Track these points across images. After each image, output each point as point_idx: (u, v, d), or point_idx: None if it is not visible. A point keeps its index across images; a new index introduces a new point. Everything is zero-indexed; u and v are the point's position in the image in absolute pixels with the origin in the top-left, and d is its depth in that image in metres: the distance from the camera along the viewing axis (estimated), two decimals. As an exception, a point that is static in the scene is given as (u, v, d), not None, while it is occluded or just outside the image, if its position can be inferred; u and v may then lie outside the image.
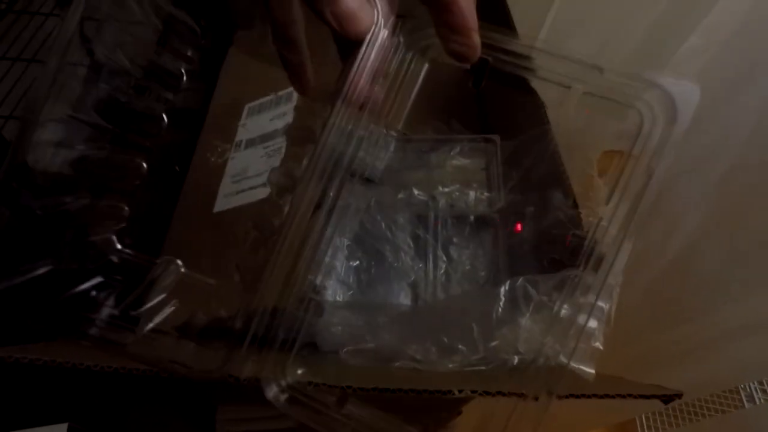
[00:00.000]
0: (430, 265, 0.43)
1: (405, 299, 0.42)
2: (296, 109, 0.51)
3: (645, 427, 0.82)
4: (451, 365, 0.30)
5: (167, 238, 0.45)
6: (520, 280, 0.28)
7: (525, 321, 0.27)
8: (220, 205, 0.50)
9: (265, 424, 0.50)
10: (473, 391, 0.25)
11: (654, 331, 0.52)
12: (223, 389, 0.47)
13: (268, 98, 0.55)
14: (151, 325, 0.31)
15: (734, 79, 0.47)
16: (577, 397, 0.26)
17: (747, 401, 0.70)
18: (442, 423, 0.57)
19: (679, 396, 0.28)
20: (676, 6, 0.52)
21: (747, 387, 0.71)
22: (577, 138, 0.45)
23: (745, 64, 0.46)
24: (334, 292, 0.42)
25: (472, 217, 0.42)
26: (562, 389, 0.25)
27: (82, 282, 0.28)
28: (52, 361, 0.24)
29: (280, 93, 0.54)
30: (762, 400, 0.69)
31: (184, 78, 0.39)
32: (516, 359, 0.29)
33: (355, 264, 0.43)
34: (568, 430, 0.58)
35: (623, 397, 0.26)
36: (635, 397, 0.26)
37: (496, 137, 0.44)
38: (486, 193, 0.41)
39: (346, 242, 0.43)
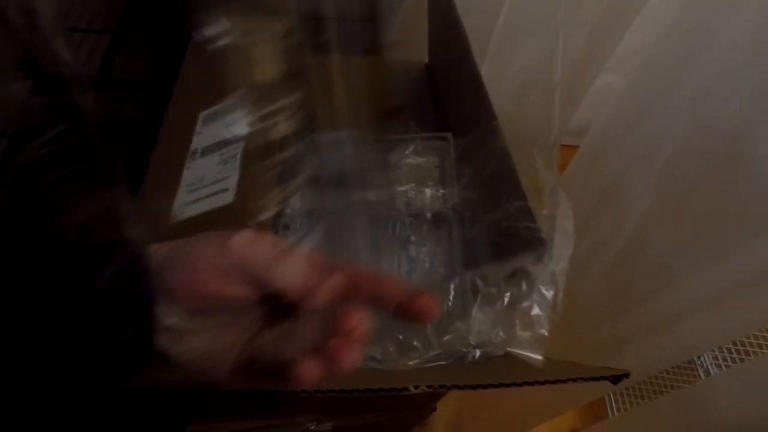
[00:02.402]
0: (393, 265, 0.43)
1: (367, 300, 0.42)
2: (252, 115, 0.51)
3: (614, 404, 0.86)
4: (410, 363, 0.31)
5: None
6: (469, 273, 0.28)
7: (475, 313, 0.27)
8: (177, 215, 0.49)
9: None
10: (428, 386, 0.26)
11: (610, 317, 0.54)
12: (193, 405, 0.45)
13: (222, 105, 0.55)
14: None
15: (672, 69, 0.49)
16: (530, 384, 0.26)
17: (703, 374, 0.75)
18: (418, 420, 0.58)
19: (626, 375, 0.29)
20: (614, 6, 0.55)
21: (703, 362, 0.76)
22: (530, 132, 0.46)
23: (681, 54, 0.48)
24: (296, 297, 0.42)
25: (428, 215, 0.42)
26: (512, 377, 0.25)
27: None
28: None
29: (236, 98, 0.53)
30: (715, 369, 0.75)
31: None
32: (476, 353, 0.30)
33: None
34: (534, 417, 0.60)
35: (573, 380, 0.27)
36: (584, 380, 0.27)
37: (449, 135, 0.45)
38: (441, 190, 0.42)
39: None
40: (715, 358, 0.76)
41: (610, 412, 0.85)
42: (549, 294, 0.26)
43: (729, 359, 0.76)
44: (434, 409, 0.55)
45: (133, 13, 0.81)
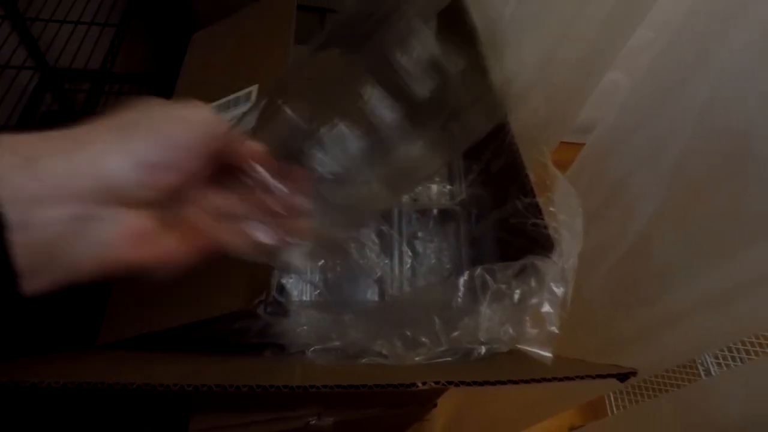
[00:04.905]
0: (396, 260, 0.43)
1: (372, 295, 0.42)
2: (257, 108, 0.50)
3: (613, 402, 0.86)
4: (417, 358, 0.30)
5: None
6: (479, 269, 0.28)
7: (484, 310, 0.27)
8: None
9: (238, 432, 0.49)
10: (436, 382, 0.26)
11: (615, 317, 0.54)
12: (195, 398, 0.46)
13: (227, 99, 0.54)
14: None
15: (682, 69, 0.49)
16: (538, 381, 0.26)
17: (704, 373, 0.75)
18: (419, 416, 0.58)
19: (633, 374, 0.29)
20: (624, 2, 0.55)
21: (704, 361, 0.76)
22: (534, 131, 0.46)
23: (692, 54, 0.48)
24: (301, 292, 0.42)
25: (435, 211, 0.42)
26: (521, 374, 0.25)
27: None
28: (23, 382, 0.23)
29: (239, 93, 0.53)
30: (717, 371, 0.75)
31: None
32: (482, 349, 0.30)
33: (320, 263, 0.43)
34: (536, 414, 0.60)
35: (581, 378, 0.27)
36: (592, 377, 0.27)
37: (457, 131, 0.44)
38: (448, 186, 0.42)
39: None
40: (716, 357, 0.76)
41: (609, 411, 0.86)
42: (560, 291, 0.26)
43: (730, 359, 0.76)
44: (435, 405, 0.55)
45: (136, 6, 0.81)
